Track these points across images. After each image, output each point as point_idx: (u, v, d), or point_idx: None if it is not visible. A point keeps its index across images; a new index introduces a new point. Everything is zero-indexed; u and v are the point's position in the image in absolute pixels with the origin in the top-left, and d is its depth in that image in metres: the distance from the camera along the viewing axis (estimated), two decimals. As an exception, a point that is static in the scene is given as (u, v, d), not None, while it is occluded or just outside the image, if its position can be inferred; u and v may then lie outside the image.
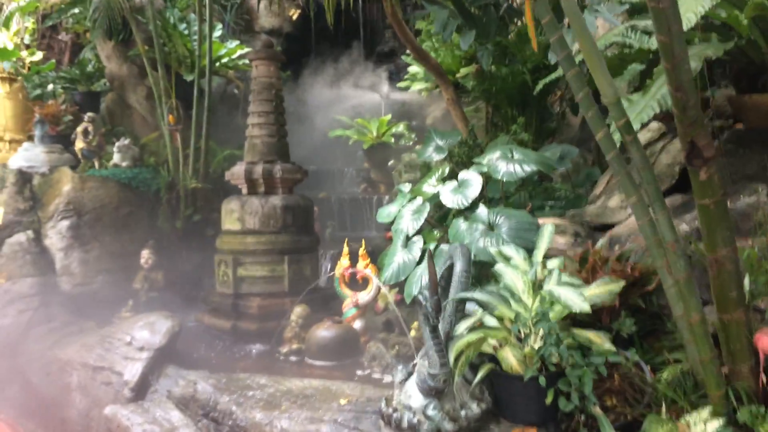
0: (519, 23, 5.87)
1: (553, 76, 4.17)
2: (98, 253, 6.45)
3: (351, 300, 5.05)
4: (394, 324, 4.97)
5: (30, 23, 9.08)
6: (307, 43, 11.31)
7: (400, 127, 7.95)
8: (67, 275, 6.25)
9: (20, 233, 6.28)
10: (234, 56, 7.87)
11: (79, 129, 6.86)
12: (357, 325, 5.01)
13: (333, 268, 6.39)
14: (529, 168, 3.64)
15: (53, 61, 8.41)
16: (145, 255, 6.41)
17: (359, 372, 4.46)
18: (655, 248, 2.43)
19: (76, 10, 7.47)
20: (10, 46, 7.75)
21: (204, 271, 6.96)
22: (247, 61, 8.14)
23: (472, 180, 3.82)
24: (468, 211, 3.73)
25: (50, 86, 7.91)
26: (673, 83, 2.11)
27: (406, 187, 4.41)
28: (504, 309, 2.59)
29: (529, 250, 3.24)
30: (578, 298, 2.44)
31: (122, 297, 6.26)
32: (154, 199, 6.90)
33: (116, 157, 6.90)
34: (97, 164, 6.93)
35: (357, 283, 5.16)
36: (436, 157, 4.45)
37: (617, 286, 2.62)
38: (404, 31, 5.60)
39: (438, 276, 3.13)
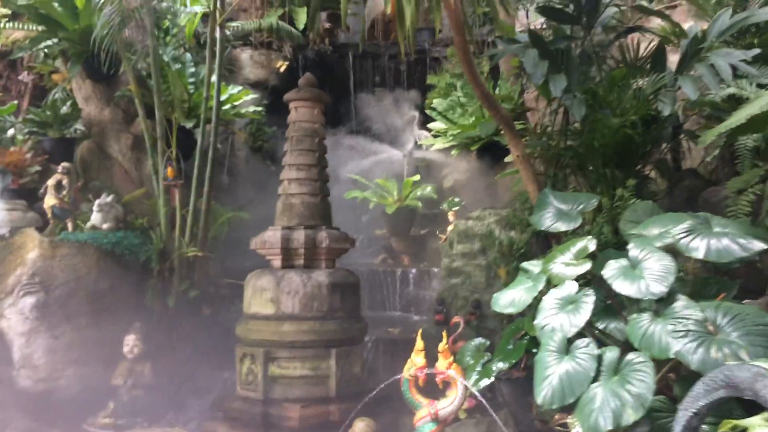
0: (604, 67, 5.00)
1: (731, 125, 3.20)
2: (69, 339, 5.16)
3: (428, 410, 3.85)
4: (486, 443, 3.80)
5: (-15, 61, 7.78)
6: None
7: (428, 189, 6.92)
8: (28, 368, 5.04)
9: (-32, 313, 4.99)
10: (237, 103, 6.75)
11: (51, 182, 5.56)
12: (437, 445, 3.80)
13: (373, 362, 5.20)
14: (750, 245, 2.63)
15: (15, 103, 7.06)
16: (131, 342, 5.14)
17: None
18: None
19: (50, 42, 6.23)
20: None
21: (201, 362, 5.62)
22: (250, 110, 7.12)
23: (653, 260, 2.78)
24: (660, 305, 2.67)
25: (10, 131, 6.56)
26: None
27: (535, 267, 3.30)
28: None
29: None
30: None
31: (98, 396, 5.06)
32: (142, 271, 5.56)
33: (95, 218, 5.58)
34: (70, 226, 5.59)
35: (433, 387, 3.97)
36: (562, 226, 3.42)
37: None
38: (473, 73, 4.64)
39: (690, 411, 2.03)
